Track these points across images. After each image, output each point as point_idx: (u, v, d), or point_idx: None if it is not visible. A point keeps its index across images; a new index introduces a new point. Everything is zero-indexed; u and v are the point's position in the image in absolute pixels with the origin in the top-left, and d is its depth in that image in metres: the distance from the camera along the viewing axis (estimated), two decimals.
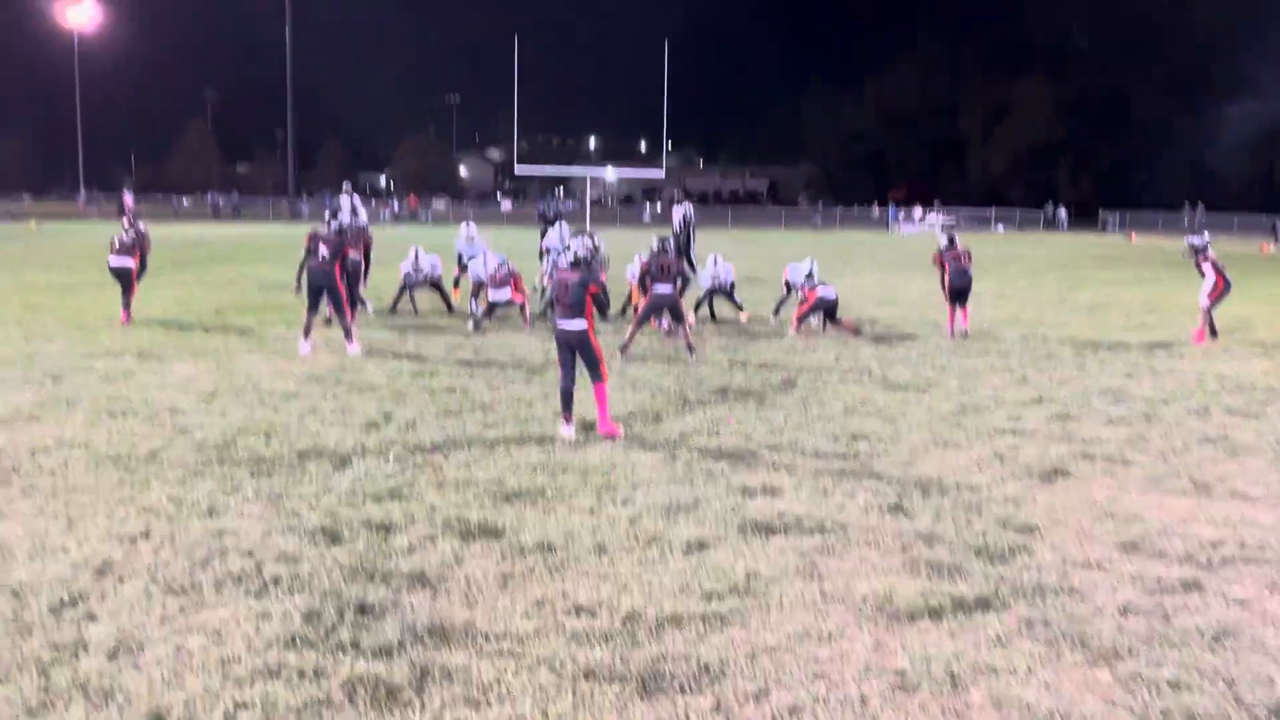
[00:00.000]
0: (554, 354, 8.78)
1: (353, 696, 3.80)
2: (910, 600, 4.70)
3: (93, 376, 9.74)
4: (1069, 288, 21.46)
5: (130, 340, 11.98)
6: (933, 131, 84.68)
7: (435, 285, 15.33)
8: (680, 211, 21.36)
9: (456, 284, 16.68)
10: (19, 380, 9.47)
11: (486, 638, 4.29)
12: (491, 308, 13.75)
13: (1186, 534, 5.70)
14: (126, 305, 13.50)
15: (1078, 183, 75.69)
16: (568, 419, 7.77)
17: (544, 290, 16.02)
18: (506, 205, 74.27)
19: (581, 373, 7.86)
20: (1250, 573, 5.15)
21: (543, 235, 19.03)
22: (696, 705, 3.79)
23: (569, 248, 8.23)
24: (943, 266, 13.60)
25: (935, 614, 4.58)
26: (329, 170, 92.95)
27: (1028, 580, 4.99)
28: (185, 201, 69.30)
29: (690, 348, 11.52)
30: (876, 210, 66.59)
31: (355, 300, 13.11)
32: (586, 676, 3.97)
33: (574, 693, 3.86)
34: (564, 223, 18.35)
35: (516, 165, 50.82)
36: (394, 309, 15.16)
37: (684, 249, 20.46)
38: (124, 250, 13.68)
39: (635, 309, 13.05)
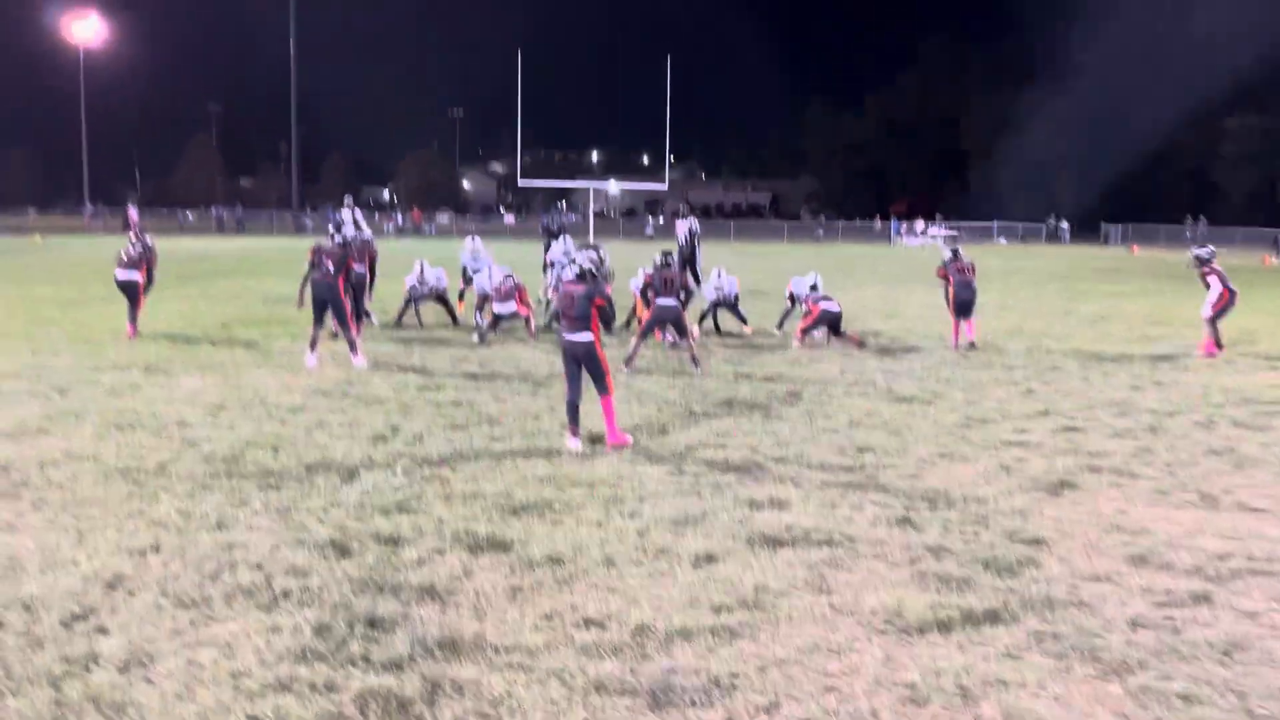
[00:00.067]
0: (559, 367, 8.80)
1: (365, 710, 3.80)
2: (919, 613, 4.70)
3: (100, 390, 9.77)
4: (1072, 300, 21.47)
5: (137, 354, 12.01)
6: (934, 144, 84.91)
7: (440, 298, 15.38)
8: (685, 225, 21.41)
9: (461, 297, 16.74)
10: (26, 394, 9.50)
11: (497, 650, 4.30)
12: (496, 320, 13.79)
13: (1194, 547, 5.70)
14: (132, 319, 13.54)
15: (1079, 196, 75.78)
16: (574, 432, 7.78)
17: (548, 303, 16.07)
18: (509, 219, 74.45)
19: (587, 386, 7.88)
20: (1259, 585, 5.14)
21: (546, 248, 19.08)
22: (707, 719, 3.79)
23: (574, 261, 8.27)
24: (947, 280, 13.62)
25: (945, 627, 4.58)
26: (333, 184, 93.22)
27: (1037, 593, 4.99)
28: (190, 215, 69.56)
29: (695, 360, 11.54)
30: (878, 223, 66.72)
31: (360, 313, 13.16)
32: (597, 690, 3.98)
33: (585, 706, 3.86)
34: (568, 235, 18.41)
35: (520, 179, 51.01)
36: (399, 322, 15.19)
37: (689, 262, 20.48)
38: (130, 264, 13.74)
39: (639, 322, 13.08)
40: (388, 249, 23.26)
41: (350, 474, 6.91)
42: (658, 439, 8.16)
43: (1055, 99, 71.22)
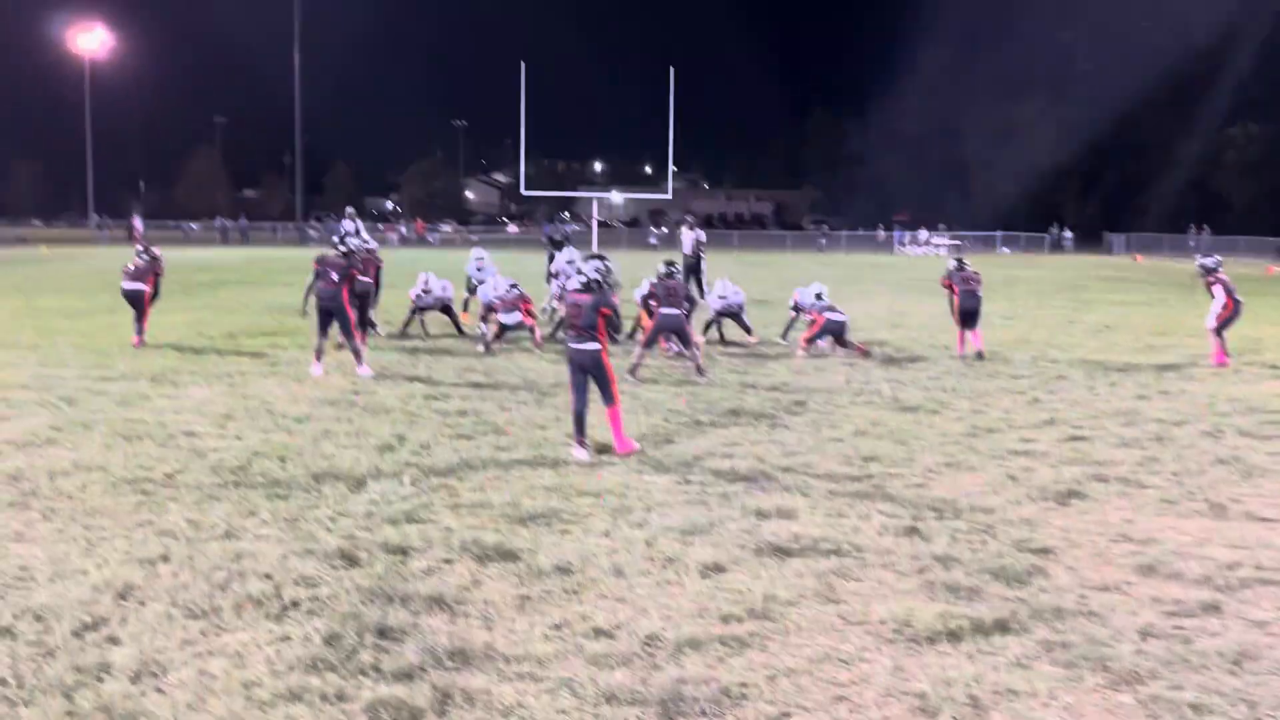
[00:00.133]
0: (565, 377, 8.81)
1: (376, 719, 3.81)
2: (929, 623, 4.70)
3: (108, 400, 9.80)
4: (1077, 309, 21.46)
5: (144, 364, 12.04)
6: (937, 154, 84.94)
7: (445, 309, 15.43)
8: (693, 236, 21.47)
9: (466, 307, 16.78)
10: (34, 404, 9.53)
11: (506, 660, 4.30)
12: (502, 330, 13.81)
13: (1203, 556, 5.69)
14: (139, 329, 13.59)
15: (1082, 205, 75.83)
16: (581, 441, 7.80)
17: (553, 313, 16.10)
18: (513, 229, 74.59)
19: (593, 397, 7.89)
20: (1269, 594, 5.14)
21: (550, 258, 19.12)
22: None
23: (580, 270, 8.30)
24: (952, 290, 13.63)
25: (954, 637, 4.58)
26: (337, 195, 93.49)
27: (1046, 603, 4.99)
28: (194, 226, 69.78)
29: (700, 370, 11.55)
30: (881, 233, 66.75)
31: (366, 323, 13.19)
32: (607, 700, 3.98)
33: (595, 716, 3.86)
34: (572, 245, 18.46)
35: (523, 189, 51.19)
36: (404, 332, 15.23)
37: (695, 272, 20.49)
38: (136, 275, 13.79)
39: (643, 332, 13.09)
40: (391, 259, 23.31)
41: (358, 484, 6.93)
42: (664, 448, 8.16)
43: (1057, 107, 71.37)
